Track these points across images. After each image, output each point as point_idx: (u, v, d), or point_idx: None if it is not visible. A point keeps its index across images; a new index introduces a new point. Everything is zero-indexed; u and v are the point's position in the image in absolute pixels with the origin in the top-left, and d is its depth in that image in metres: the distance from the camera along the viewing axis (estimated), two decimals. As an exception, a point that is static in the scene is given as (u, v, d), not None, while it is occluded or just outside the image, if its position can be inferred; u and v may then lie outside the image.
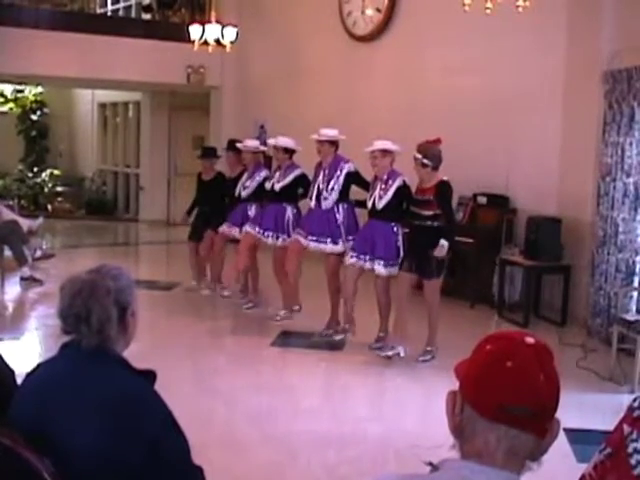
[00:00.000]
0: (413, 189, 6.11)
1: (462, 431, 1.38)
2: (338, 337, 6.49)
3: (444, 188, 5.89)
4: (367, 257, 6.12)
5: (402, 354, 5.93)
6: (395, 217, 6.12)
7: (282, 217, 7.03)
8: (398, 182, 6.08)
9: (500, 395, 1.32)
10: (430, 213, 5.87)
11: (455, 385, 1.42)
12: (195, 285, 8.34)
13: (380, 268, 6.07)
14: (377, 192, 6.16)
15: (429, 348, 6.08)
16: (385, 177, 6.12)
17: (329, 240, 6.49)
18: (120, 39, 11.83)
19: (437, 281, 5.98)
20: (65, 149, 17.02)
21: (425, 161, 5.84)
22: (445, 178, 5.93)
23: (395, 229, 6.13)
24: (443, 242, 5.71)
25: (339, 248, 6.51)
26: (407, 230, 6.15)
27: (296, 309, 7.18)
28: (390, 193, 6.08)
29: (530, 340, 1.37)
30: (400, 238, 6.14)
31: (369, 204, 6.23)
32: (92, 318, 2.01)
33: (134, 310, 2.14)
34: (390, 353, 5.95)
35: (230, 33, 9.53)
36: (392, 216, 6.10)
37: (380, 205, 6.12)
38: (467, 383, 1.38)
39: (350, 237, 6.46)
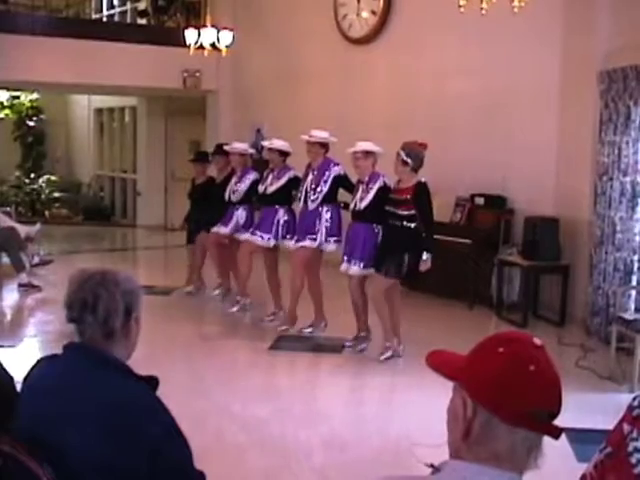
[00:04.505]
0: None
1: (471, 434, 1.34)
2: (360, 347, 6.36)
3: (422, 189, 5.86)
4: (347, 258, 6.15)
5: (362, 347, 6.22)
6: (376, 218, 6.07)
7: (274, 219, 6.97)
8: (379, 183, 6.07)
9: (527, 400, 1.30)
10: (405, 213, 5.85)
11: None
12: (187, 287, 8.41)
13: (355, 268, 6.08)
14: (359, 194, 6.16)
15: (388, 344, 6.08)
16: (367, 179, 6.13)
17: (308, 237, 6.51)
18: (116, 44, 11.81)
19: (386, 281, 5.93)
20: (62, 155, 17.01)
21: (406, 159, 5.83)
22: (423, 180, 5.91)
23: (376, 230, 6.10)
24: (426, 256, 5.74)
25: (314, 244, 6.51)
26: (382, 230, 6.09)
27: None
28: (371, 194, 6.07)
29: (538, 341, 1.37)
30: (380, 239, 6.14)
31: (351, 206, 6.24)
32: (99, 306, 2.00)
33: (138, 316, 2.12)
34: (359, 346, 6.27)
35: (226, 37, 9.54)
36: (373, 217, 6.07)
37: (361, 206, 6.12)
38: (485, 388, 1.33)
39: (331, 238, 6.47)
